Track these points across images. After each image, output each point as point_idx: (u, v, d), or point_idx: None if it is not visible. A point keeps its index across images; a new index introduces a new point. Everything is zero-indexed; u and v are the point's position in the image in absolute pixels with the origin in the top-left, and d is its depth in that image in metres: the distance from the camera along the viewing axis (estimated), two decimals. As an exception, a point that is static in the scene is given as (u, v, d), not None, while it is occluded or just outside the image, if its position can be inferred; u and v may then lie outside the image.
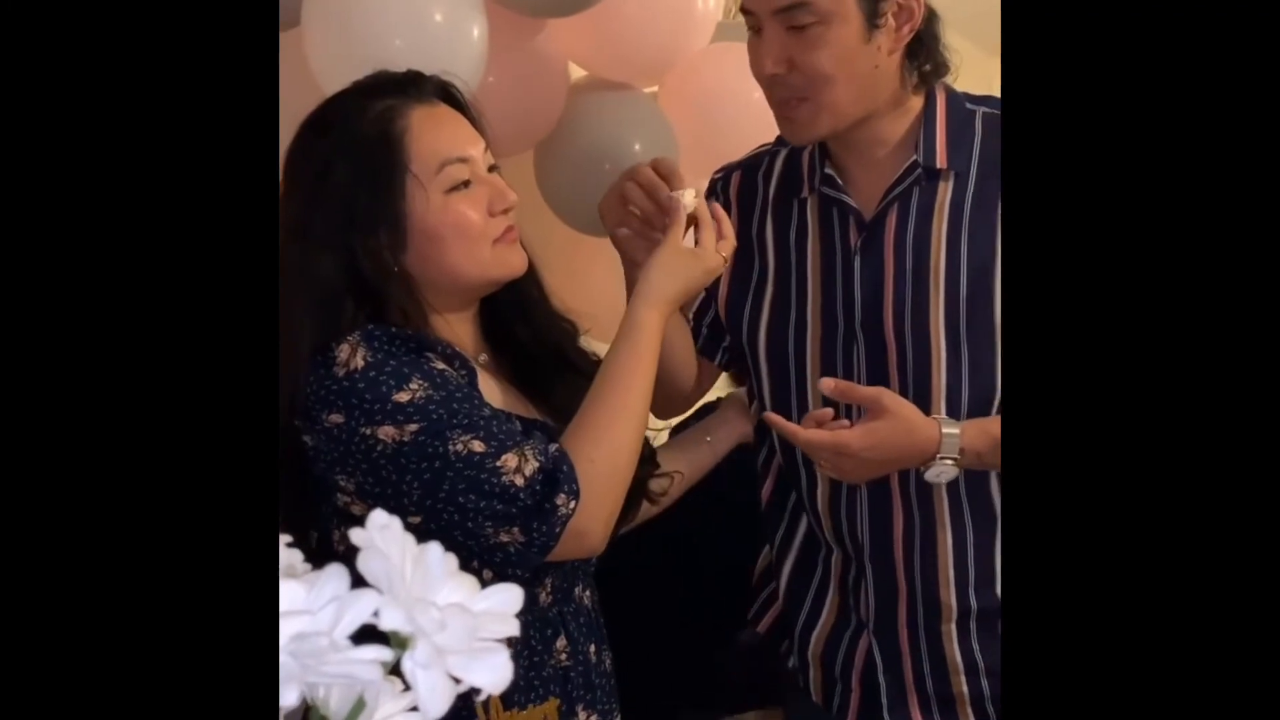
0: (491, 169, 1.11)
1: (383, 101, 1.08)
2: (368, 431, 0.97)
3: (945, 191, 1.17)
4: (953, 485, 1.17)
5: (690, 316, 1.34)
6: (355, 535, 0.48)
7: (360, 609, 0.45)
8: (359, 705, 0.47)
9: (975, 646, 1.22)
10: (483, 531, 0.98)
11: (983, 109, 1.20)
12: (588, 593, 1.17)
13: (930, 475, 1.12)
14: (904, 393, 1.16)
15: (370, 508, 0.96)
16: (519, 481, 0.97)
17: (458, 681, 0.48)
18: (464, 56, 1.43)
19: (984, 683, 1.22)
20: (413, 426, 0.97)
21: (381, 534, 0.47)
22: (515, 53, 1.60)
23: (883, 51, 1.13)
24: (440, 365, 1.02)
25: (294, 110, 1.52)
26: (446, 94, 1.12)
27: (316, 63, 1.42)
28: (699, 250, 1.11)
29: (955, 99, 1.20)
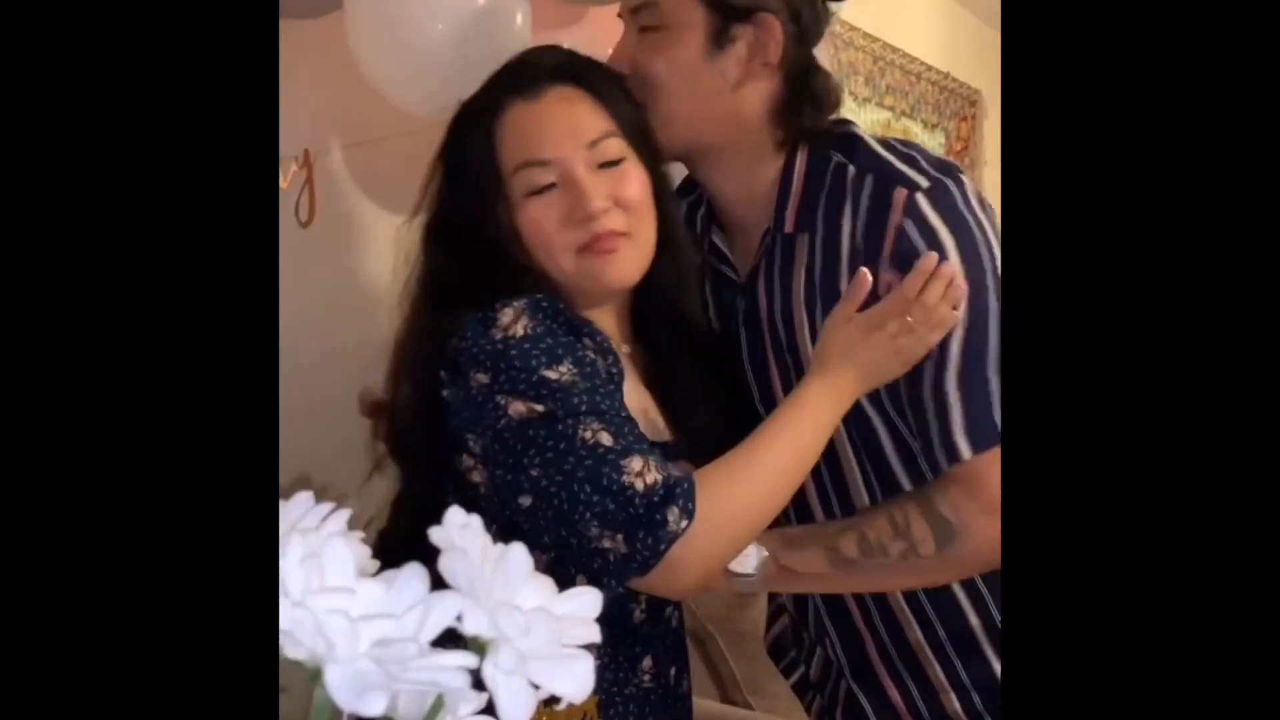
0: (611, 164, 1.04)
1: (494, 99, 1.06)
2: (503, 400, 0.94)
3: (801, 256, 1.10)
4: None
5: None
6: (434, 534, 0.46)
7: (443, 612, 0.43)
8: (437, 706, 0.45)
9: (959, 665, 1.15)
10: (587, 531, 0.92)
11: (839, 159, 1.09)
12: (676, 613, 1.14)
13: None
14: None
15: (488, 476, 0.97)
16: (639, 486, 0.91)
17: (537, 688, 0.46)
18: (506, 43, 1.41)
19: (976, 699, 1.15)
20: (549, 405, 0.93)
21: (462, 533, 0.45)
22: (558, 38, 1.58)
23: (728, 78, 1.07)
24: (593, 355, 0.99)
25: (337, 93, 1.52)
26: (564, 73, 1.07)
27: (358, 47, 1.40)
28: (883, 325, 1.00)
29: (818, 156, 1.11)
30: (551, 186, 1.03)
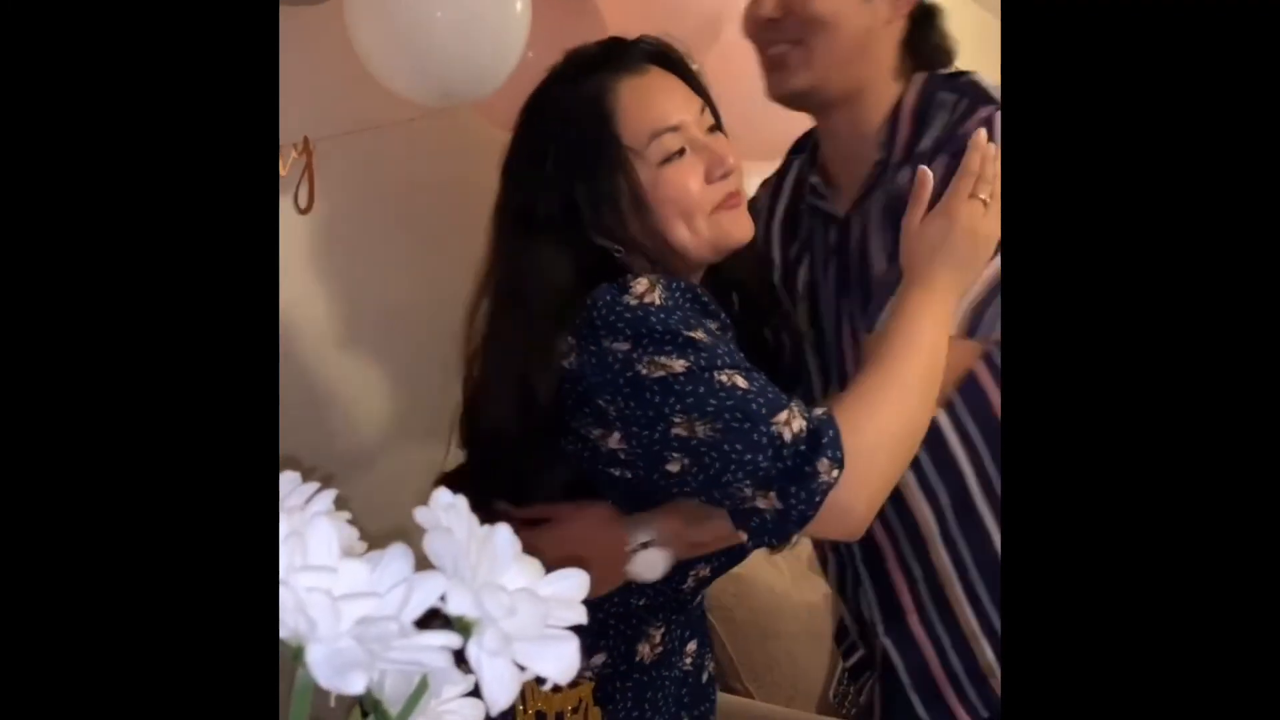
0: (713, 129, 1.09)
1: (591, 79, 1.06)
2: (647, 360, 0.94)
3: (906, 186, 1.11)
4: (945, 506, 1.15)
5: None
6: (420, 514, 0.46)
7: (427, 592, 0.43)
8: (422, 687, 0.45)
9: (992, 613, 1.14)
10: (740, 492, 0.91)
11: (955, 97, 1.14)
12: (702, 598, 1.15)
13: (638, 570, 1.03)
14: None
15: (624, 440, 0.96)
16: (786, 435, 0.90)
17: (522, 669, 0.46)
18: (506, 30, 1.41)
19: None
20: (690, 360, 0.93)
21: (447, 513, 0.45)
22: (558, 26, 1.57)
23: (879, 17, 1.13)
24: (719, 331, 1.00)
25: (337, 80, 1.51)
26: (656, 56, 1.10)
27: (357, 34, 1.40)
28: (958, 216, 1.02)
29: (931, 86, 1.16)
30: (682, 152, 1.05)
